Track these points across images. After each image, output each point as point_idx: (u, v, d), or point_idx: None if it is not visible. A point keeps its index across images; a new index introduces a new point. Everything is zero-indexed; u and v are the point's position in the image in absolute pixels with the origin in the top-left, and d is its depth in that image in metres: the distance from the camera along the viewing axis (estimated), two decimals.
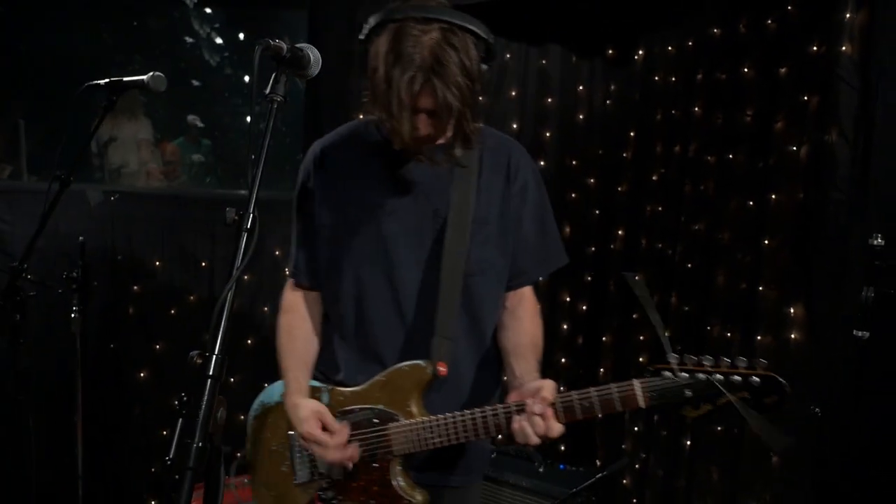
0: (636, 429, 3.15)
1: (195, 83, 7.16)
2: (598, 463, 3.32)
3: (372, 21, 1.37)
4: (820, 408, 2.17)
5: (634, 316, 3.20)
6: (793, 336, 2.30)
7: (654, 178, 3.13)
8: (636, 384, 1.31)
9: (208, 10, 6.35)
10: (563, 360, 3.51)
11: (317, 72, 1.32)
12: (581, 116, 3.41)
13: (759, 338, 2.42)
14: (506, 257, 1.55)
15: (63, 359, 3.00)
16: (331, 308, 1.59)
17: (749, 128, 2.54)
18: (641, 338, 3.17)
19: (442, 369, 1.44)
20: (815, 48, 2.27)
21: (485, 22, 1.39)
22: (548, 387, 1.37)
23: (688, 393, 1.28)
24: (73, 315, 2.80)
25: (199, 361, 1.04)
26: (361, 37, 1.40)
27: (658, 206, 3.10)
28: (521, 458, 2.96)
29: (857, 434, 1.99)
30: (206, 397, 1.02)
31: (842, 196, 2.14)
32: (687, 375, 1.28)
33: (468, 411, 1.42)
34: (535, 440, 1.35)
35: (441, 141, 1.48)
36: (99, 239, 3.44)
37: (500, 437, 1.42)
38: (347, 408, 1.52)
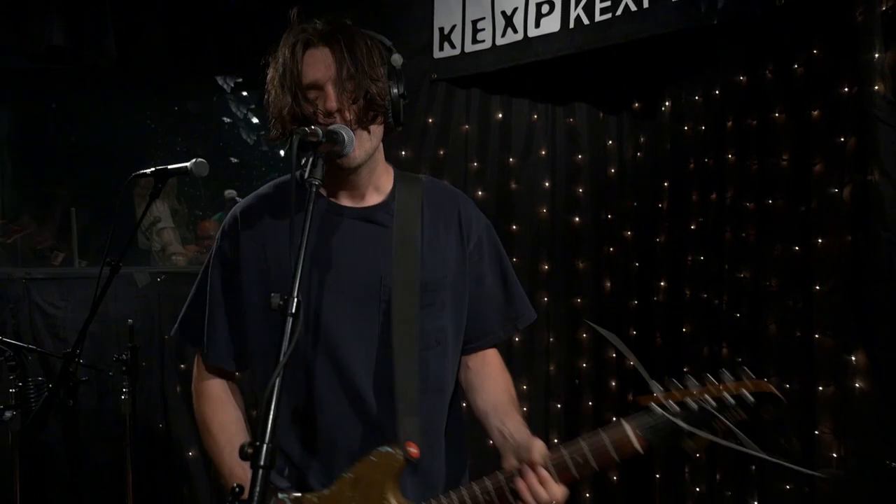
0: (698, 489, 3.01)
1: (233, 160, 7.42)
2: None
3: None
4: None
5: (685, 369, 3.09)
6: (857, 385, 2.20)
7: (692, 227, 3.09)
8: (626, 425, 1.21)
9: (245, 93, 6.64)
10: (614, 418, 3.40)
11: (351, 150, 1.35)
12: (612, 170, 3.41)
13: (820, 388, 2.32)
14: (460, 323, 1.47)
15: (114, 440, 3.06)
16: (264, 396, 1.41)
17: (786, 172, 2.51)
18: (695, 393, 3.06)
19: (413, 450, 1.32)
20: (845, 89, 2.26)
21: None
22: (537, 447, 1.27)
23: (682, 425, 1.18)
24: (122, 397, 2.86)
25: (251, 451, 1.03)
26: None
27: (699, 255, 3.04)
28: None
29: None
30: (257, 488, 1.01)
31: (892, 236, 2.08)
32: (677, 406, 1.19)
33: (463, 488, 1.31)
34: None
35: (374, 203, 1.44)
36: (147, 319, 3.54)
37: None
38: None
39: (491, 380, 1.52)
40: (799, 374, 2.43)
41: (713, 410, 1.19)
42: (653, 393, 1.22)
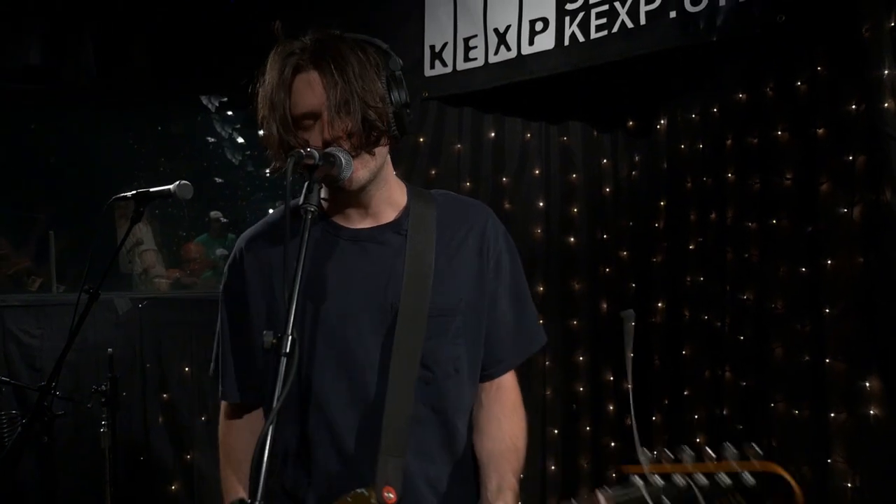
0: None
1: (218, 180, 7.32)
2: None
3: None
4: None
5: (686, 392, 3.02)
6: (872, 412, 2.13)
7: (690, 247, 3.02)
8: (600, 498, 1.10)
9: (230, 113, 6.56)
10: (612, 444, 3.32)
11: (349, 173, 1.25)
12: (608, 189, 3.36)
13: (832, 415, 2.24)
14: (477, 349, 1.37)
15: (92, 475, 2.92)
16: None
17: (790, 191, 2.45)
18: (696, 416, 2.98)
19: (390, 496, 1.20)
20: (853, 107, 2.21)
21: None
22: None
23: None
24: (101, 430, 2.73)
25: None
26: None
27: (699, 276, 2.97)
28: None
29: None
30: None
31: None
32: (661, 481, 1.05)
33: None
34: None
35: (387, 221, 1.34)
36: (127, 347, 3.42)
37: None
38: None
39: (495, 421, 1.39)
40: (808, 400, 2.36)
41: (702, 491, 1.05)
42: (640, 462, 1.10)
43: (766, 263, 2.54)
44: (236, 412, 1.45)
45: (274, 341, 1.07)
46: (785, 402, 2.43)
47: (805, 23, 2.32)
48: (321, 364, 1.30)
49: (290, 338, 1.06)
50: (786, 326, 2.43)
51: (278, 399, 1.02)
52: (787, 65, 2.46)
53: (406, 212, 1.36)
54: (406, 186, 1.41)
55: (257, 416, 1.43)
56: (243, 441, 1.42)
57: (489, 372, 1.41)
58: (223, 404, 1.47)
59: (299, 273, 1.11)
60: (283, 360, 1.05)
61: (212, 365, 1.49)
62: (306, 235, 1.14)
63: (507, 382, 1.42)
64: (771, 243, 2.53)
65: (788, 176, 2.45)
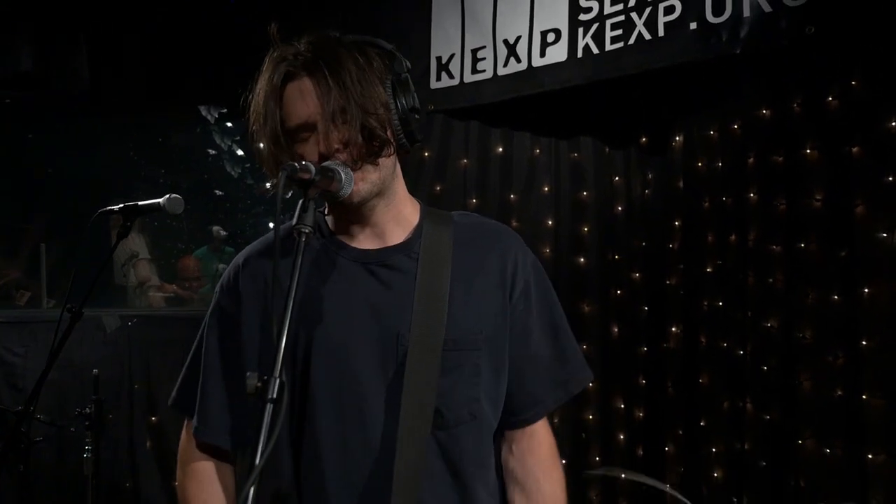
0: None
1: (218, 193, 7.23)
2: None
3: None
4: None
5: (702, 423, 2.86)
6: None
7: (708, 269, 2.88)
8: None
9: (229, 124, 6.47)
10: (622, 475, 3.17)
11: (350, 189, 1.12)
12: (620, 208, 3.24)
13: (869, 456, 2.08)
14: (496, 393, 1.20)
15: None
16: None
17: (820, 214, 2.31)
18: (713, 449, 2.82)
19: None
20: (893, 124, 2.08)
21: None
22: None
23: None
24: (85, 455, 2.60)
25: None
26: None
27: (717, 300, 2.83)
28: None
29: None
30: None
31: None
32: None
33: None
34: None
35: (396, 242, 1.20)
36: (115, 367, 3.28)
37: None
38: None
39: (533, 479, 1.23)
40: (841, 438, 2.20)
41: None
42: None
43: (793, 289, 2.39)
44: (213, 456, 1.27)
45: (259, 384, 0.92)
46: (814, 438, 2.27)
47: (836, 34, 2.19)
48: (317, 405, 1.15)
49: (277, 381, 0.92)
50: (816, 358, 2.27)
51: (262, 455, 0.87)
52: (817, 79, 2.33)
53: (418, 232, 1.22)
54: (420, 205, 1.27)
55: (228, 469, 1.28)
56: (221, 499, 1.26)
57: (524, 417, 1.24)
58: (193, 445, 1.28)
59: (290, 307, 0.96)
60: (269, 408, 0.91)
61: (175, 394, 1.32)
62: (299, 261, 1.00)
63: (541, 428, 1.26)
64: (798, 268, 2.38)
65: (818, 197, 2.31)
